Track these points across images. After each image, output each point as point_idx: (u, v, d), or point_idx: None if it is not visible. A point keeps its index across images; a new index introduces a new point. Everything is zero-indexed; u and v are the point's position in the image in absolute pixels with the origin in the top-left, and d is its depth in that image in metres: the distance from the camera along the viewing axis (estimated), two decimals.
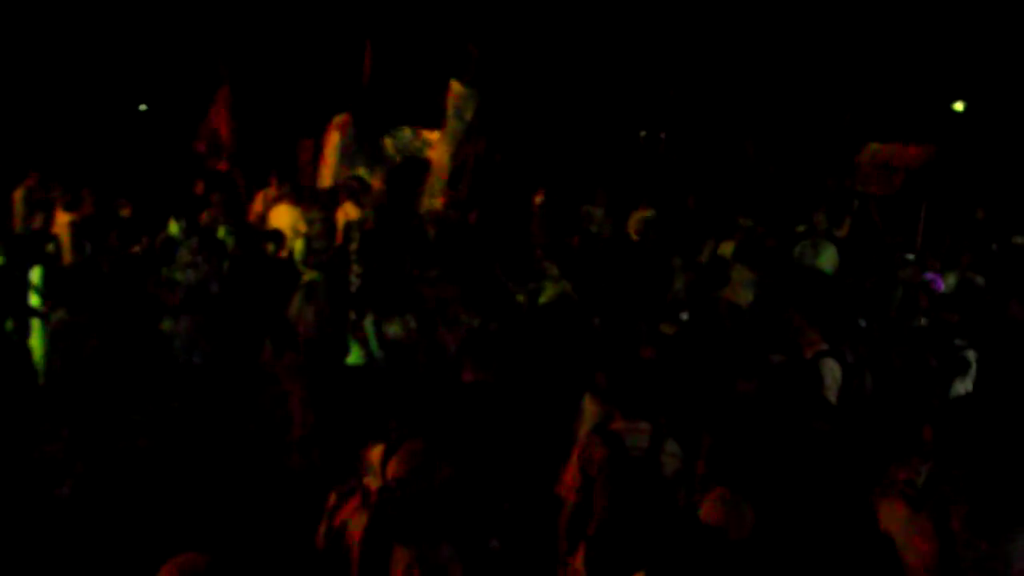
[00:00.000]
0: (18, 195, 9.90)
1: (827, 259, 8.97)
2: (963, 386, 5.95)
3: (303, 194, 10.68)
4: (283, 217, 9.99)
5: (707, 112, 16.89)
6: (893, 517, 3.59)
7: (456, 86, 10.56)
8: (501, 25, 14.19)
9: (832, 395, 5.23)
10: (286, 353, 5.92)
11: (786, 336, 5.63)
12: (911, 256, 9.31)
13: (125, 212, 9.14)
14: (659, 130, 18.90)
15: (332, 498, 3.93)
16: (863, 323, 6.64)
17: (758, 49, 16.49)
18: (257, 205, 11.33)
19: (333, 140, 11.25)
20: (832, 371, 5.20)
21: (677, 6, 16.73)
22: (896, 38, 15.93)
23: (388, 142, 11.45)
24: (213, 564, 2.44)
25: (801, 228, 9.71)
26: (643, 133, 19.48)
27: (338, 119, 11.30)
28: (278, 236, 8.89)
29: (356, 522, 3.69)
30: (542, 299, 6.80)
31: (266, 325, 6.41)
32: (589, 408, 4.96)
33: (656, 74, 16.75)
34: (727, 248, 9.14)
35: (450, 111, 10.62)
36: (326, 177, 11.31)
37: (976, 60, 15.97)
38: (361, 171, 11.34)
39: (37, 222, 8.57)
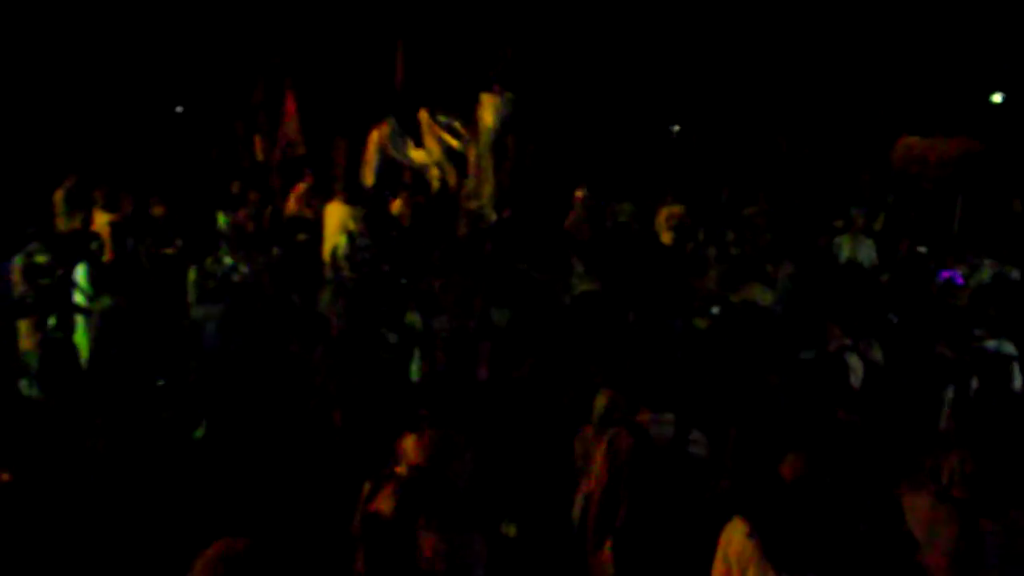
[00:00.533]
0: (59, 196, 10.13)
1: (865, 254, 8.99)
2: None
3: (355, 193, 10.86)
4: (334, 216, 10.08)
5: (739, 106, 16.78)
6: (917, 507, 3.61)
7: (486, 97, 10.64)
8: (533, 22, 14.24)
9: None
10: (317, 346, 6.05)
11: (815, 331, 5.67)
12: (923, 249, 9.30)
13: (158, 211, 9.31)
14: (690, 125, 18.86)
15: (367, 487, 4.02)
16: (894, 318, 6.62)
17: (792, 41, 16.37)
18: (291, 204, 11.55)
19: (375, 138, 11.42)
20: (855, 367, 5.22)
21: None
22: (932, 29, 15.72)
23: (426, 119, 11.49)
24: (252, 548, 2.51)
25: (839, 223, 9.68)
26: (676, 128, 19.41)
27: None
28: (309, 226, 9.06)
29: (388, 509, 3.77)
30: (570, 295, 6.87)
31: (296, 317, 6.58)
32: (599, 401, 5.03)
33: (688, 68, 16.68)
34: None
35: (485, 121, 10.69)
36: (368, 176, 11.48)
37: (1014, 51, 15.72)
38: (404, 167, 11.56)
39: (77, 221, 8.80)
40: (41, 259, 7.53)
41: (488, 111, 10.61)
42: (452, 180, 11.19)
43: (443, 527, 3.60)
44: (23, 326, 7.36)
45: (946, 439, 4.53)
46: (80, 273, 7.60)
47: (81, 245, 7.83)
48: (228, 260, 7.89)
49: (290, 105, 11.93)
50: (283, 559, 2.59)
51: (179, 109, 16.09)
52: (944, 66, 15.75)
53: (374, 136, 11.38)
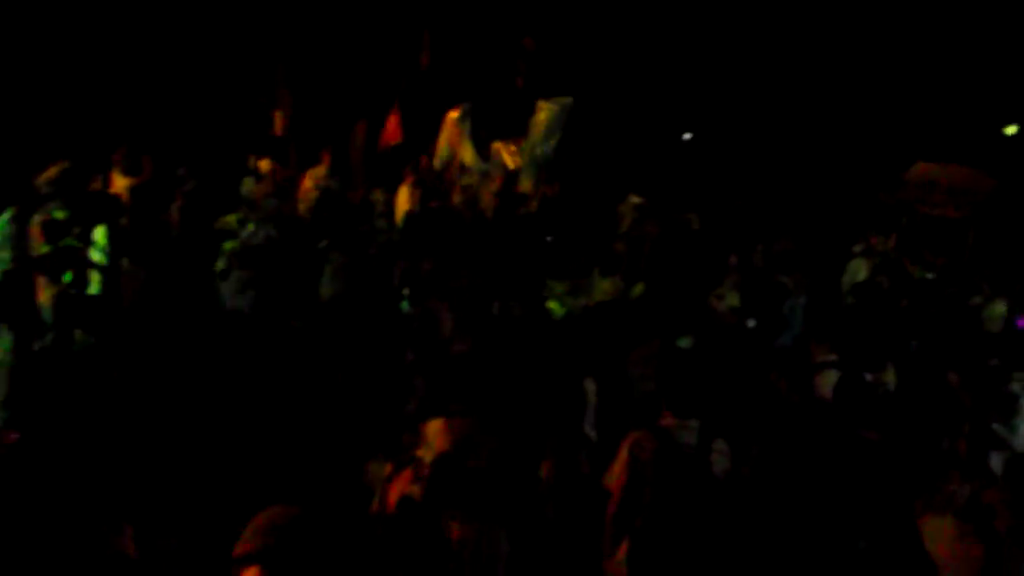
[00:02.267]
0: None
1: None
2: None
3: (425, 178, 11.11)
4: (402, 199, 10.75)
5: (753, 119, 16.82)
6: (940, 532, 3.63)
7: (543, 105, 10.68)
8: (554, 23, 14.27)
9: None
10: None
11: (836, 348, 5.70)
12: (929, 275, 9.34)
13: (188, 186, 9.31)
14: (703, 134, 18.88)
15: (388, 469, 4.03)
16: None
17: (807, 61, 16.42)
18: (306, 181, 11.56)
19: (447, 127, 11.68)
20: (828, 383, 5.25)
21: (728, 13, 16.69)
22: (950, 58, 15.79)
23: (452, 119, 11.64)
24: (302, 515, 2.52)
25: (858, 248, 9.66)
26: (687, 136, 19.39)
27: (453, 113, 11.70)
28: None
29: (409, 494, 3.78)
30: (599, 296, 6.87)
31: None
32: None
33: (703, 79, 16.71)
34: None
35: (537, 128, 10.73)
36: (436, 162, 11.80)
37: None
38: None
39: (96, 184, 8.75)
40: (60, 215, 7.53)
41: (543, 114, 10.64)
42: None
43: (470, 516, 3.63)
44: (40, 281, 7.35)
45: (959, 462, 4.53)
46: (99, 233, 7.60)
47: (102, 206, 7.83)
48: (250, 226, 8.02)
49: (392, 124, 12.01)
50: (330, 527, 2.59)
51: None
52: (962, 93, 15.82)
53: (448, 125, 11.68)
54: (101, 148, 9.89)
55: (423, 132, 12.23)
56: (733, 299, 7.36)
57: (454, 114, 11.74)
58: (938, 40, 15.87)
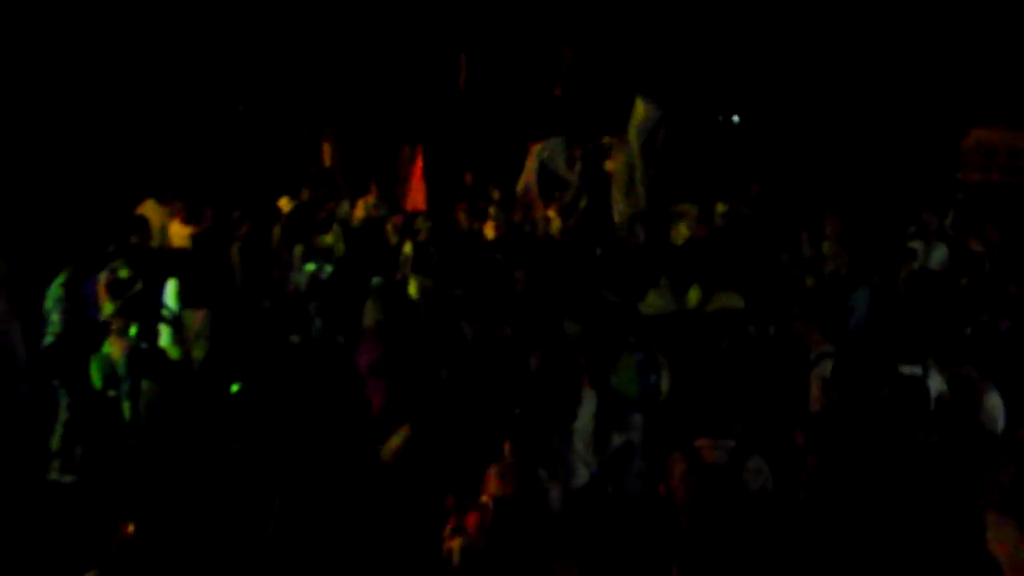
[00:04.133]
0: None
1: (938, 259, 8.86)
2: None
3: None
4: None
5: (795, 94, 16.48)
6: (1003, 533, 3.62)
7: (641, 105, 10.70)
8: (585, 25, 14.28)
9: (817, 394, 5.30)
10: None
11: (905, 345, 5.60)
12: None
13: (244, 229, 9.57)
14: (735, 114, 18.57)
15: (452, 517, 4.08)
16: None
17: (853, 28, 16.05)
18: (358, 211, 11.80)
19: (535, 151, 11.88)
20: (826, 371, 5.21)
21: None
22: (1001, 17, 15.30)
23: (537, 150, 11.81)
24: None
25: (912, 229, 9.46)
26: (720, 118, 19.04)
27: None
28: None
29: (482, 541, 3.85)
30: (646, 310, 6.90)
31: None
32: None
33: (738, 55, 16.44)
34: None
35: (633, 129, 10.77)
36: (520, 184, 11.99)
37: None
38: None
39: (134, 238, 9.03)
40: (124, 274, 7.85)
41: (636, 123, 10.67)
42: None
43: (536, 556, 3.71)
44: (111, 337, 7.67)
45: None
46: (170, 289, 7.92)
47: (167, 261, 8.16)
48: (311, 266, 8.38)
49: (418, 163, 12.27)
50: None
51: (240, 108, 16.32)
52: (1014, 54, 15.33)
53: (535, 149, 11.84)
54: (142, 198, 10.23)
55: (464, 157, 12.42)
56: None
57: (537, 146, 11.89)
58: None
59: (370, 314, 6.91)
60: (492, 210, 11.23)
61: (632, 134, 10.59)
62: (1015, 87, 14.59)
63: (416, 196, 12.33)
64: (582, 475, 5.05)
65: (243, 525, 5.11)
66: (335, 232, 10.27)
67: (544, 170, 11.71)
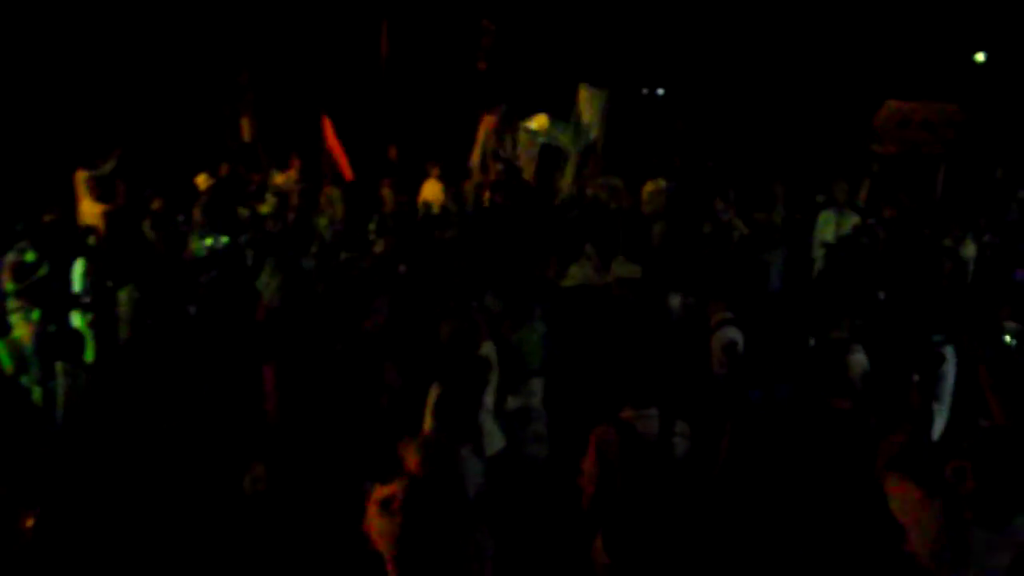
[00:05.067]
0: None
1: (848, 227, 8.93)
2: None
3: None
4: (429, 193, 11.47)
5: (715, 69, 16.66)
6: (905, 498, 3.72)
7: (584, 90, 10.75)
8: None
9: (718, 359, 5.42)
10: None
11: (816, 316, 5.73)
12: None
13: (156, 205, 9.32)
14: (659, 87, 18.70)
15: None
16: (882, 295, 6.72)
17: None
18: (277, 180, 11.67)
19: (486, 123, 11.88)
20: (725, 337, 5.33)
21: None
22: None
23: (530, 125, 11.78)
24: None
25: (820, 199, 9.66)
26: (644, 91, 19.15)
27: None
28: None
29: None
30: (568, 282, 6.95)
31: None
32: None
33: (661, 29, 16.55)
34: None
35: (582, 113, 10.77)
36: (475, 157, 12.02)
37: (996, 9, 15.69)
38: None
39: (50, 216, 8.72)
40: (30, 257, 7.56)
41: (587, 106, 10.66)
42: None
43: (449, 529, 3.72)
44: (15, 317, 7.40)
45: (911, 413, 4.60)
46: (77, 269, 7.65)
47: (71, 240, 7.88)
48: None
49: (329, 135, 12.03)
50: None
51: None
52: (928, 25, 15.72)
53: (487, 120, 11.86)
54: (55, 175, 9.87)
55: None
56: None
57: (491, 117, 11.89)
58: None
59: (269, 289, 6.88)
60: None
61: (588, 117, 10.67)
62: (928, 58, 15.00)
63: (343, 169, 12.17)
64: (496, 442, 5.10)
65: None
66: (271, 201, 10.22)
67: (547, 147, 11.74)
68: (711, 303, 5.85)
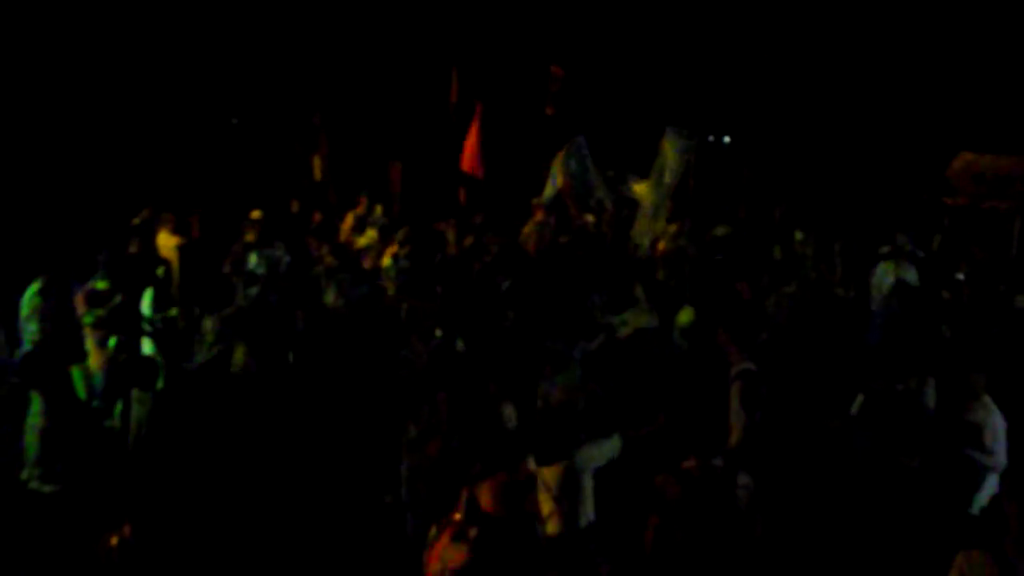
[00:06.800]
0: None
1: (908, 280, 8.81)
2: None
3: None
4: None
5: (784, 116, 16.55)
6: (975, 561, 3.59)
7: (668, 141, 10.76)
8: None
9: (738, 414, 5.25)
10: None
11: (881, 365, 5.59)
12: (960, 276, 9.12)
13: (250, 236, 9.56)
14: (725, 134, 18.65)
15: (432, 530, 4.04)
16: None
17: (844, 52, 16.15)
18: (347, 223, 11.81)
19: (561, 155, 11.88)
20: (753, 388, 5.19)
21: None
22: (989, 44, 15.43)
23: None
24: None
25: (885, 249, 9.50)
26: (710, 138, 19.11)
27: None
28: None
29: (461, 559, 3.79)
30: (625, 330, 6.89)
31: None
32: None
33: (731, 75, 16.52)
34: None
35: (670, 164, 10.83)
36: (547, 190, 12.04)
37: None
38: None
39: (133, 247, 9.01)
40: (102, 285, 7.76)
41: (670, 151, 10.71)
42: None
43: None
44: (90, 344, 7.60)
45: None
46: (146, 298, 7.85)
47: (143, 271, 8.09)
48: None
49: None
50: None
51: (234, 121, 16.35)
52: (1003, 78, 15.44)
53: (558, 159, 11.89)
54: (133, 208, 10.19)
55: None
56: None
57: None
58: (966, 24, 15.53)
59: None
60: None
61: (670, 167, 10.69)
62: (1003, 113, 14.71)
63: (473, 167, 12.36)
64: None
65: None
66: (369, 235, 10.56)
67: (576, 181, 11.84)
68: (731, 352, 5.66)
